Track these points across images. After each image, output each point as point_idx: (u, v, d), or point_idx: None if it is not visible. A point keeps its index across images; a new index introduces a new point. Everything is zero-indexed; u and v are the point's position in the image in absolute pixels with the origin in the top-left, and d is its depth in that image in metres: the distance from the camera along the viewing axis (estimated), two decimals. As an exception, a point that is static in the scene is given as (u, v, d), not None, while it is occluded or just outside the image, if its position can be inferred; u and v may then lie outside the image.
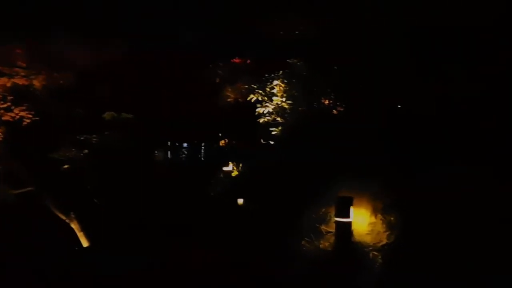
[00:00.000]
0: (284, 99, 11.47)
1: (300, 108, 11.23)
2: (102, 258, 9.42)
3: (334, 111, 10.57)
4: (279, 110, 11.67)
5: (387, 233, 7.13)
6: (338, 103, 10.56)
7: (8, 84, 9.47)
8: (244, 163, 13.64)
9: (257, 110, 11.84)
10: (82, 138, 11.93)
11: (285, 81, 11.23)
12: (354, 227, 7.34)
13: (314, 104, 11.04)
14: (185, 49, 13.06)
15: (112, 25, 10.58)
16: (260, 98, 11.88)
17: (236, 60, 12.56)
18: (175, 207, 12.25)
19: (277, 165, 10.54)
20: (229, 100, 12.85)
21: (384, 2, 8.87)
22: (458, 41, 7.62)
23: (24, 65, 9.32)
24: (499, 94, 7.00)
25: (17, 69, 9.26)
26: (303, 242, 7.85)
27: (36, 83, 9.64)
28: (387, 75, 8.69)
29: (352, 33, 9.33)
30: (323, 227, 7.91)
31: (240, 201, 10.94)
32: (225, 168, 14.06)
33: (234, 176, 13.56)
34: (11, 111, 9.86)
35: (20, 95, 9.96)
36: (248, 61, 12.50)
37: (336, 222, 7.27)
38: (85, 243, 11.62)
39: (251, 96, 11.93)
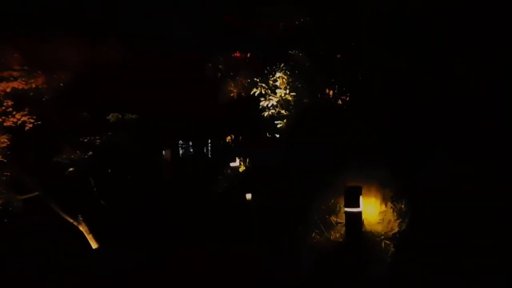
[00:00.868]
0: (287, 91, 11.37)
1: (304, 100, 11.12)
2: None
3: (339, 101, 10.43)
4: (283, 102, 11.58)
5: (398, 221, 7.01)
6: (342, 94, 10.42)
7: (8, 90, 9.41)
8: (250, 158, 13.57)
9: (261, 103, 11.75)
10: (85, 140, 11.92)
11: (288, 73, 11.11)
12: (364, 216, 7.23)
13: (318, 95, 10.92)
14: (184, 46, 13.00)
15: (110, 25, 10.51)
16: (263, 92, 11.79)
17: (237, 55, 12.42)
18: (183, 205, 12.20)
19: (283, 158, 10.45)
20: (232, 95, 12.77)
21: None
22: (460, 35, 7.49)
23: (22, 68, 9.22)
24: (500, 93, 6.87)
25: (15, 73, 9.16)
26: (313, 234, 7.74)
27: (35, 85, 9.53)
28: (386, 70, 8.54)
29: (351, 26, 9.19)
30: (333, 218, 7.81)
31: (249, 196, 10.84)
32: (232, 164, 14.01)
33: (241, 172, 13.50)
34: (13, 116, 9.79)
35: (20, 100, 9.90)
36: (249, 54, 12.35)
37: (346, 212, 7.15)
38: (94, 245, 11.61)
39: (254, 89, 11.84)
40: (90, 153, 11.71)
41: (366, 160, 7.88)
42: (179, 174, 16.07)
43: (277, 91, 11.55)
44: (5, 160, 10.25)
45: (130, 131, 12.49)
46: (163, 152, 19.85)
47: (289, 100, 11.46)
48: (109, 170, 12.03)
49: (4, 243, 10.67)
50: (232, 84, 12.55)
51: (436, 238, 6.01)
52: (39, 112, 10.03)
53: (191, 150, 20.77)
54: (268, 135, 13.26)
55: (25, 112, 9.89)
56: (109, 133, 12.20)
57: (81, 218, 11.61)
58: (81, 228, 11.70)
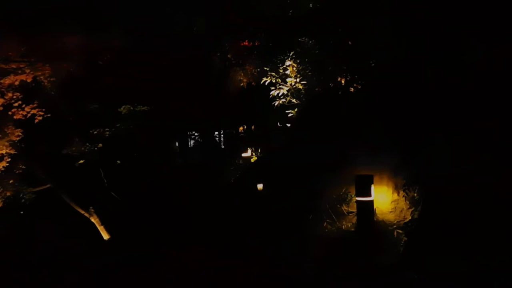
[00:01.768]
0: (298, 79, 11.21)
1: (316, 89, 10.95)
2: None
3: (352, 89, 10.25)
4: (294, 91, 11.43)
5: (411, 209, 6.88)
6: (354, 82, 10.24)
7: (16, 83, 9.41)
8: (262, 148, 13.49)
9: (271, 93, 11.62)
10: (95, 132, 11.92)
11: (298, 60, 10.93)
12: (376, 205, 7.13)
13: (329, 84, 10.75)
14: (190, 36, 12.82)
15: (112, 17, 10.39)
16: (274, 81, 11.65)
17: (245, 43, 12.25)
18: (190, 196, 12.18)
19: (294, 148, 10.34)
20: (242, 84, 12.63)
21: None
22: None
23: (29, 60, 9.20)
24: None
25: (22, 65, 9.13)
26: (325, 224, 7.65)
27: (43, 78, 9.51)
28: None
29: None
30: (344, 208, 7.71)
31: (260, 186, 10.75)
32: (244, 154, 13.94)
33: (253, 162, 13.42)
34: (23, 109, 9.81)
35: (29, 92, 9.90)
36: (257, 43, 12.18)
37: (357, 201, 7.05)
38: (106, 236, 11.64)
39: (264, 79, 11.70)
40: (100, 145, 11.71)
41: (378, 148, 7.76)
42: (189, 165, 16.04)
43: (288, 79, 11.40)
44: (17, 153, 10.29)
45: (139, 122, 12.45)
46: (176, 143, 19.93)
47: (300, 88, 11.31)
48: (118, 162, 11.96)
49: (16, 235, 10.76)
50: (242, 74, 12.41)
51: (447, 226, 5.89)
52: (48, 105, 10.01)
53: (200, 140, 20.76)
54: (279, 124, 13.15)
55: (35, 105, 9.88)
56: (117, 125, 12.17)
57: (92, 210, 11.63)
58: (92, 220, 11.73)
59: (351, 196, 7.68)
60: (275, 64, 11.59)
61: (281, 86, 11.53)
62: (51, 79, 9.64)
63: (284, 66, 11.39)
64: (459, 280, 5.15)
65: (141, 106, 12.84)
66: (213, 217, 10.24)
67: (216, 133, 21.26)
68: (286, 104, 11.60)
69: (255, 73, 12.11)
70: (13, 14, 8.66)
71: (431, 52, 7.73)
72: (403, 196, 7.11)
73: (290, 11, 10.89)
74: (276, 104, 11.67)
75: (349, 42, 10.04)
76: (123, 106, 12.74)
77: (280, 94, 11.53)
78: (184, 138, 20.53)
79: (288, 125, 12.12)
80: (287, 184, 9.44)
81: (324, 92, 10.81)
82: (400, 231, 6.64)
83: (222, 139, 21.73)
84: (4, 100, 9.67)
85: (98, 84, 11.11)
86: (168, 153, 15.85)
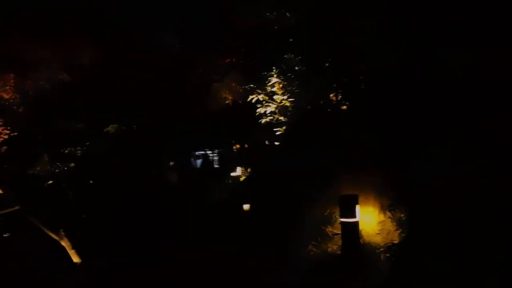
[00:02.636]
0: (285, 97, 10.97)
1: (307, 107, 10.69)
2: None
3: (344, 107, 9.99)
4: (281, 109, 11.18)
5: (398, 231, 6.55)
6: (346, 100, 9.97)
7: None
8: (250, 167, 13.22)
9: (257, 110, 11.36)
10: (66, 151, 11.45)
11: (281, 77, 10.69)
12: (362, 227, 6.78)
13: (317, 101, 10.49)
14: (172, 54, 12.52)
15: (89, 26, 10.10)
16: (261, 98, 11.41)
17: (228, 60, 12.02)
18: (176, 216, 11.85)
19: (280, 167, 10.06)
20: (227, 102, 12.38)
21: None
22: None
23: None
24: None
25: None
26: (310, 246, 7.30)
27: (5, 95, 9.08)
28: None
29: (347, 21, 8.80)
30: (329, 229, 7.37)
31: (246, 206, 10.43)
32: (233, 174, 13.69)
33: (241, 181, 13.14)
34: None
35: None
36: (241, 61, 11.97)
37: (342, 222, 6.71)
38: (76, 259, 11.06)
39: (251, 96, 11.45)
40: (72, 164, 11.21)
41: (363, 167, 7.45)
42: (174, 186, 15.70)
43: (275, 97, 11.16)
44: None
45: (118, 140, 12.06)
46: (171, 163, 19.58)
47: (288, 106, 11.06)
48: (91, 182, 11.52)
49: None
50: (226, 91, 12.16)
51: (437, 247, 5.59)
52: (15, 123, 9.56)
53: (193, 160, 20.51)
54: (267, 142, 12.88)
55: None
56: (87, 143, 11.66)
57: (63, 233, 10.95)
58: (63, 243, 11.05)
59: (336, 217, 7.34)
60: (261, 81, 11.35)
61: (268, 104, 11.29)
62: (16, 95, 9.22)
63: (271, 83, 11.16)
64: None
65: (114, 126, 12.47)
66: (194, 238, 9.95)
67: (210, 152, 21.02)
68: (273, 121, 11.35)
69: (240, 90, 11.89)
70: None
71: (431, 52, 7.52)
72: (389, 217, 6.79)
73: (276, 27, 10.68)
74: (263, 122, 11.41)
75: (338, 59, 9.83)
76: (111, 126, 12.44)
77: (267, 112, 11.29)
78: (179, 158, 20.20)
79: (277, 143, 11.85)
80: (273, 204, 9.12)
81: (312, 110, 10.56)
82: (388, 254, 6.31)
83: (214, 158, 21.48)
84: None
85: (69, 101, 10.72)
86: (156, 172, 15.46)
